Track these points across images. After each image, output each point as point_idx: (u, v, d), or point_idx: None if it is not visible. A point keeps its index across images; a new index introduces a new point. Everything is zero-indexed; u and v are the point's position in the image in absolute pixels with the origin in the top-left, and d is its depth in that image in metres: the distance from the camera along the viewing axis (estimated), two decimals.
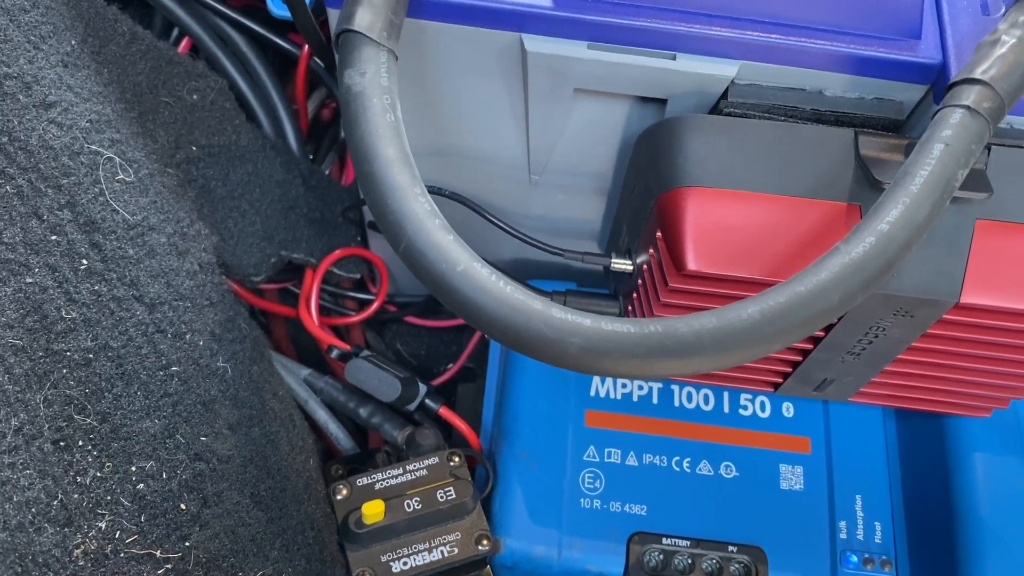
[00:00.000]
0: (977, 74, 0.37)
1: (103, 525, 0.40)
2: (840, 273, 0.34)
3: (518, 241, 0.54)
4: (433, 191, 0.52)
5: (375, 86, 0.35)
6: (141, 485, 0.41)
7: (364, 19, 0.36)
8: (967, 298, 0.41)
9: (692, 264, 0.41)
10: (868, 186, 0.40)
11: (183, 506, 0.42)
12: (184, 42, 0.61)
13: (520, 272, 0.62)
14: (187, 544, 0.41)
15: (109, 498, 0.40)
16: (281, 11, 0.54)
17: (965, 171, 0.36)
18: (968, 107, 0.36)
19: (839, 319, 0.44)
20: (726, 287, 0.42)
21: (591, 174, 0.51)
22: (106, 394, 0.41)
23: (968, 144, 0.36)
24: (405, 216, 0.34)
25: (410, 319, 0.67)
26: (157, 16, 0.62)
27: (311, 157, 0.65)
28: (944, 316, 0.42)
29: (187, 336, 0.46)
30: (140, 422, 0.42)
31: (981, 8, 0.42)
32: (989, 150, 0.41)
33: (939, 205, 0.36)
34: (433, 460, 0.52)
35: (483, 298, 0.33)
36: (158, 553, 0.40)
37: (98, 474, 0.40)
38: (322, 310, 0.65)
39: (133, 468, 0.41)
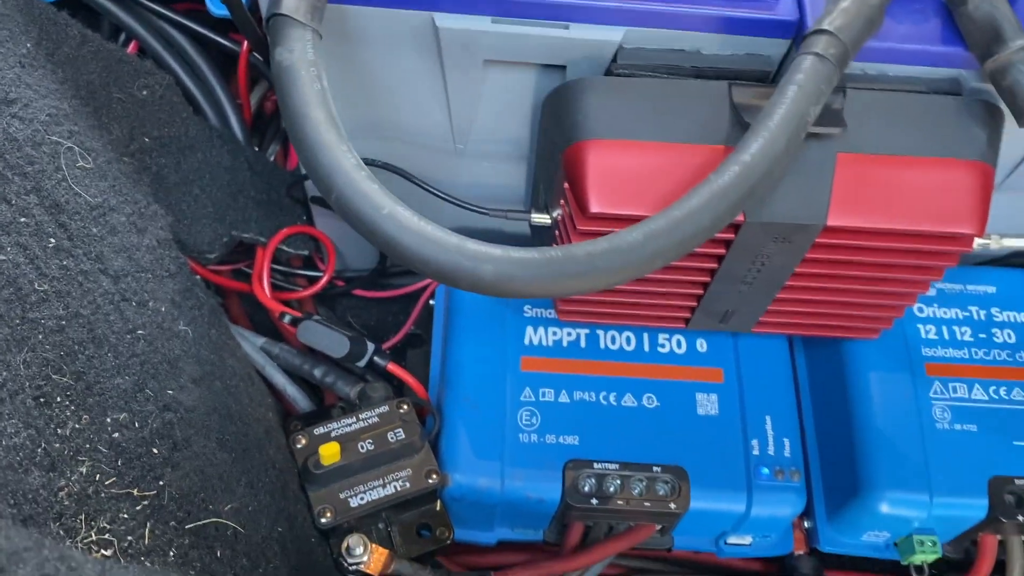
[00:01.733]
0: (824, 25, 0.43)
1: (84, 470, 0.44)
2: (709, 199, 0.40)
3: (452, 209, 0.59)
4: (367, 162, 0.57)
5: (303, 60, 0.41)
6: (116, 434, 0.46)
7: (290, 3, 0.41)
8: (833, 220, 0.47)
9: (594, 207, 0.47)
10: (741, 129, 0.46)
11: (155, 451, 0.47)
12: (131, 45, 0.65)
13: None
14: (161, 483, 0.46)
15: (88, 446, 0.45)
16: (220, 10, 0.59)
17: (817, 108, 0.42)
18: (817, 53, 0.42)
19: (728, 250, 0.50)
20: (627, 225, 0.47)
21: (510, 140, 0.56)
22: (79, 356, 0.46)
23: (818, 84, 0.42)
24: (334, 169, 0.39)
25: (358, 292, 0.72)
26: (104, 21, 0.66)
27: (256, 146, 0.70)
28: (817, 240, 0.48)
29: (150, 304, 0.51)
30: (112, 379, 0.47)
31: None
32: (845, 92, 0.47)
33: (795, 137, 0.42)
34: (383, 408, 0.57)
35: (406, 236, 0.39)
36: (135, 492, 0.45)
37: (76, 426, 0.45)
38: (275, 287, 0.69)
39: (108, 420, 0.46)
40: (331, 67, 0.50)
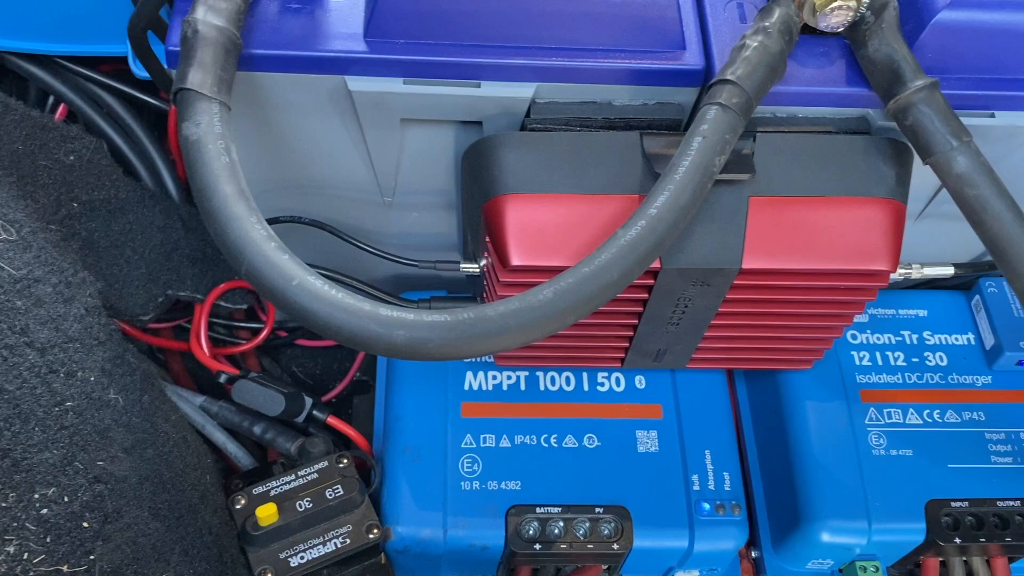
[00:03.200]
0: (727, 75, 0.44)
1: (11, 549, 0.44)
2: (617, 253, 0.41)
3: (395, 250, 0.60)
4: (294, 220, 0.58)
5: (209, 134, 0.41)
6: (44, 510, 0.46)
7: (196, 78, 0.41)
8: (748, 264, 0.48)
9: (515, 260, 0.47)
10: (653, 178, 0.47)
11: (85, 524, 0.46)
12: (61, 108, 0.65)
13: (397, 286, 0.68)
14: (91, 558, 0.46)
15: (15, 524, 0.45)
16: (143, 73, 0.60)
17: (723, 157, 0.43)
18: (720, 104, 0.43)
19: (650, 294, 0.50)
20: (547, 275, 0.47)
21: (436, 191, 0.57)
22: (5, 432, 0.46)
23: (722, 135, 0.43)
24: (244, 242, 0.39)
25: (301, 342, 0.72)
26: (31, 86, 0.66)
27: (191, 203, 0.70)
28: (735, 282, 0.49)
29: (79, 374, 0.50)
30: (40, 454, 0.47)
31: (739, 17, 0.49)
32: (755, 137, 0.48)
33: (700, 188, 0.43)
34: (323, 464, 0.57)
35: (318, 305, 0.39)
36: (65, 568, 0.45)
37: (3, 504, 0.45)
38: (217, 342, 0.69)
39: (36, 496, 0.46)
40: (250, 129, 0.51)
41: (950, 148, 0.44)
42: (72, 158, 0.59)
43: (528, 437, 0.60)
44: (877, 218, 0.48)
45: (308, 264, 0.60)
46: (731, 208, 0.48)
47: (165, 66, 0.51)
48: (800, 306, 0.52)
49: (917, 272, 0.56)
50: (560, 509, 0.57)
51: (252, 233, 0.40)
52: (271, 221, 0.57)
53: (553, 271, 0.47)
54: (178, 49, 0.43)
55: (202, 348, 0.63)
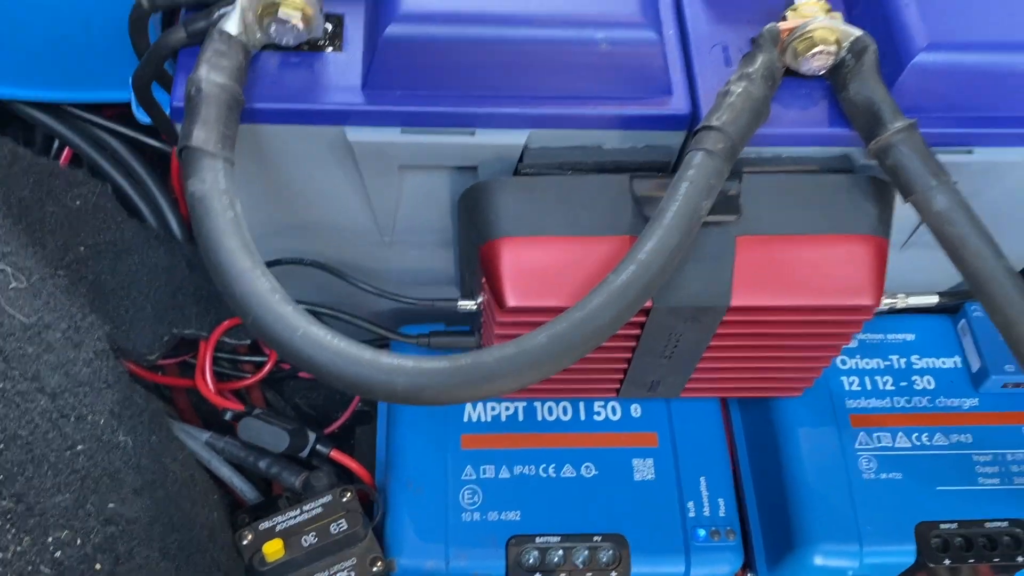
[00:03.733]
0: (712, 122, 0.45)
1: None
2: (608, 298, 0.42)
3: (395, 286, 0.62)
4: (296, 262, 0.59)
5: (214, 190, 0.42)
6: (58, 553, 0.47)
7: (200, 136, 0.43)
8: (737, 301, 0.49)
9: (510, 302, 0.49)
10: (643, 220, 0.48)
11: (98, 566, 0.48)
12: (66, 152, 0.67)
13: (398, 320, 0.69)
14: None
15: (30, 568, 0.46)
16: (145, 118, 0.61)
17: (709, 201, 0.45)
18: (706, 149, 0.45)
19: (643, 331, 0.52)
20: (543, 315, 0.49)
21: (434, 230, 0.58)
22: (19, 478, 0.47)
23: (708, 180, 0.45)
24: (249, 296, 0.41)
25: (303, 374, 0.74)
26: (38, 132, 0.68)
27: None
28: (724, 318, 0.51)
29: (89, 417, 0.52)
30: (53, 498, 0.48)
31: (724, 61, 0.51)
32: (741, 177, 0.50)
33: (688, 232, 0.44)
34: (327, 498, 0.58)
35: (322, 355, 0.40)
36: None
37: (18, 548, 0.46)
38: (222, 376, 0.71)
39: (50, 539, 0.47)
40: (253, 176, 0.52)
41: (929, 187, 0.46)
42: (78, 203, 0.61)
43: (527, 467, 0.62)
44: (860, 254, 0.50)
45: (311, 302, 0.62)
46: (719, 247, 0.49)
47: (168, 115, 0.52)
48: (788, 339, 0.53)
49: (903, 302, 0.57)
50: (559, 538, 0.59)
51: (257, 286, 0.41)
52: (274, 263, 0.60)
53: (548, 311, 0.49)
54: (182, 105, 0.45)
55: (207, 385, 0.64)
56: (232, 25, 0.45)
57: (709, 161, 0.45)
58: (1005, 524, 0.60)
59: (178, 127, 0.46)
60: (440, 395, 0.41)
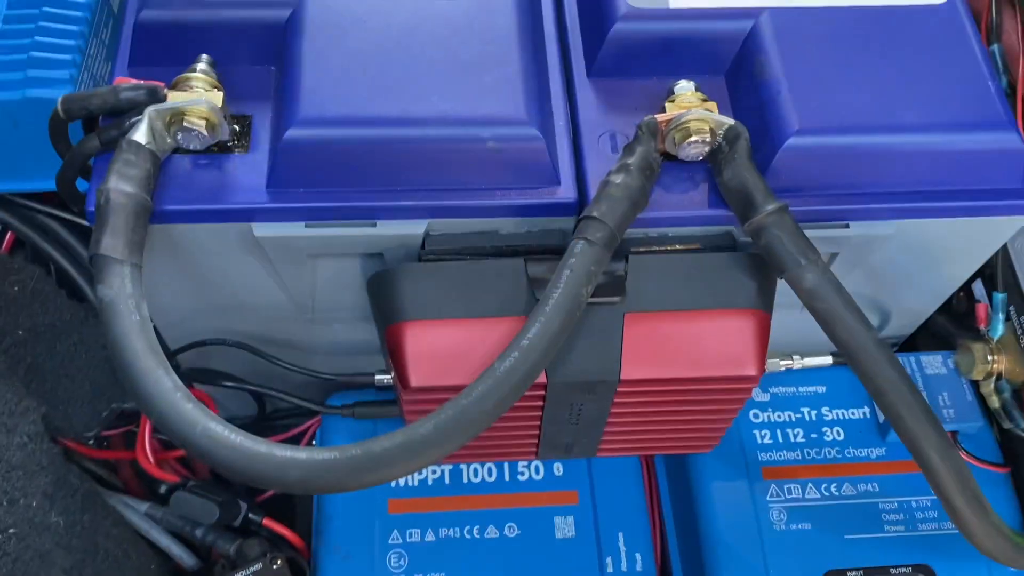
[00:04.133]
0: (593, 212, 0.49)
1: None
2: (492, 384, 0.45)
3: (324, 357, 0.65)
4: (219, 342, 0.62)
5: (121, 295, 0.45)
6: None
7: (108, 244, 0.46)
8: (626, 375, 0.52)
9: (413, 382, 0.52)
10: (535, 302, 0.51)
11: None
12: (8, 236, 0.70)
13: (327, 389, 0.72)
14: None
15: None
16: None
17: (590, 287, 0.48)
18: (586, 239, 0.48)
19: (545, 402, 0.55)
20: (445, 393, 0.52)
21: (354, 307, 0.61)
22: None
23: (588, 267, 0.48)
24: (152, 394, 0.44)
25: None
26: None
27: None
28: (619, 389, 0.54)
29: (21, 500, 0.55)
30: None
31: (611, 148, 0.54)
32: (627, 259, 0.53)
33: (569, 317, 0.47)
34: (258, 567, 0.61)
35: (219, 450, 0.43)
36: None
37: None
38: (166, 445, 0.74)
39: None
40: (170, 267, 0.55)
41: (798, 266, 0.49)
42: (16, 288, 0.64)
43: (452, 530, 0.64)
44: (742, 328, 0.53)
45: (243, 378, 0.65)
46: (608, 325, 0.52)
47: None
48: (682, 406, 0.56)
49: (798, 363, 0.60)
50: None
51: (160, 385, 0.44)
52: (199, 343, 0.62)
53: (450, 390, 0.52)
54: (95, 211, 0.48)
55: (147, 457, 0.67)
56: (141, 135, 0.49)
57: (589, 249, 0.48)
58: (909, 570, 0.63)
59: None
60: (332, 485, 0.44)
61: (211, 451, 0.43)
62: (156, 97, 0.50)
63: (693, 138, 0.51)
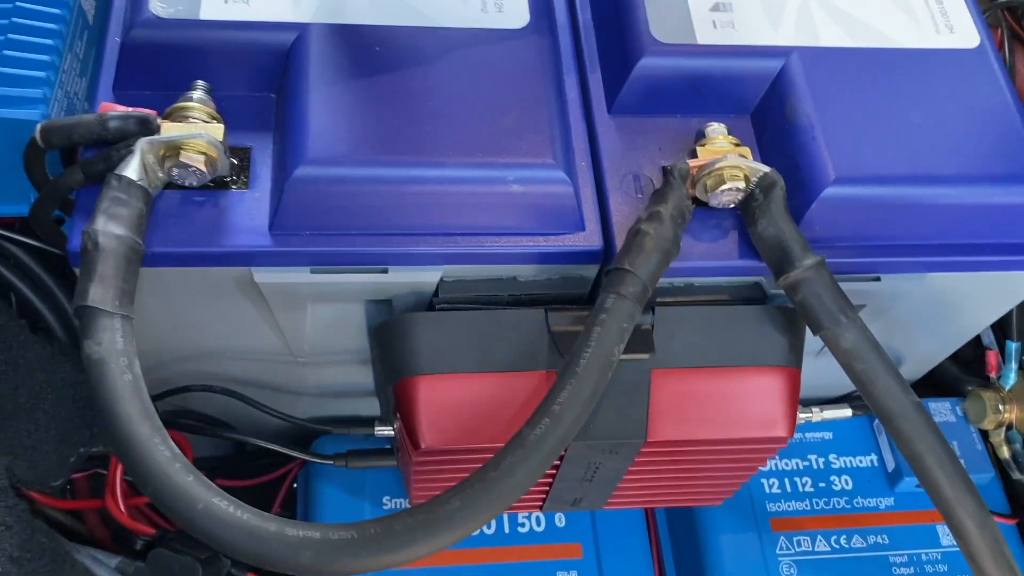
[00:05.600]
0: (624, 264, 0.45)
1: None
2: (522, 454, 0.42)
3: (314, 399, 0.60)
4: (207, 388, 0.58)
5: (111, 352, 0.41)
6: None
7: (96, 294, 0.41)
8: (653, 436, 0.49)
9: (425, 444, 0.48)
10: (558, 356, 0.48)
11: None
12: None
13: (326, 423, 0.67)
14: None
15: None
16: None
17: (621, 345, 0.45)
18: (617, 293, 0.45)
19: (562, 461, 0.52)
20: (463, 455, 0.49)
21: (350, 351, 0.57)
22: None
23: (620, 324, 0.45)
24: (147, 466, 0.39)
25: (221, 481, 0.71)
26: None
27: None
28: (642, 449, 0.51)
29: None
30: None
31: (635, 190, 0.51)
32: (654, 311, 0.50)
33: (601, 379, 0.44)
34: None
35: (223, 530, 0.39)
36: None
37: None
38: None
39: None
40: (157, 310, 0.51)
41: (837, 324, 0.47)
42: None
43: None
44: (774, 387, 0.50)
45: (215, 418, 0.60)
46: (634, 382, 0.49)
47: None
48: (705, 464, 0.53)
49: (817, 416, 0.58)
50: None
51: (155, 456, 0.40)
52: (184, 389, 0.58)
53: (465, 452, 0.48)
54: (79, 252, 0.43)
55: (118, 505, 0.62)
56: (131, 170, 0.44)
57: (621, 304, 0.45)
58: None
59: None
60: (349, 567, 0.40)
61: (215, 532, 0.39)
62: (148, 128, 0.45)
63: (727, 185, 0.48)
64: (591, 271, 0.51)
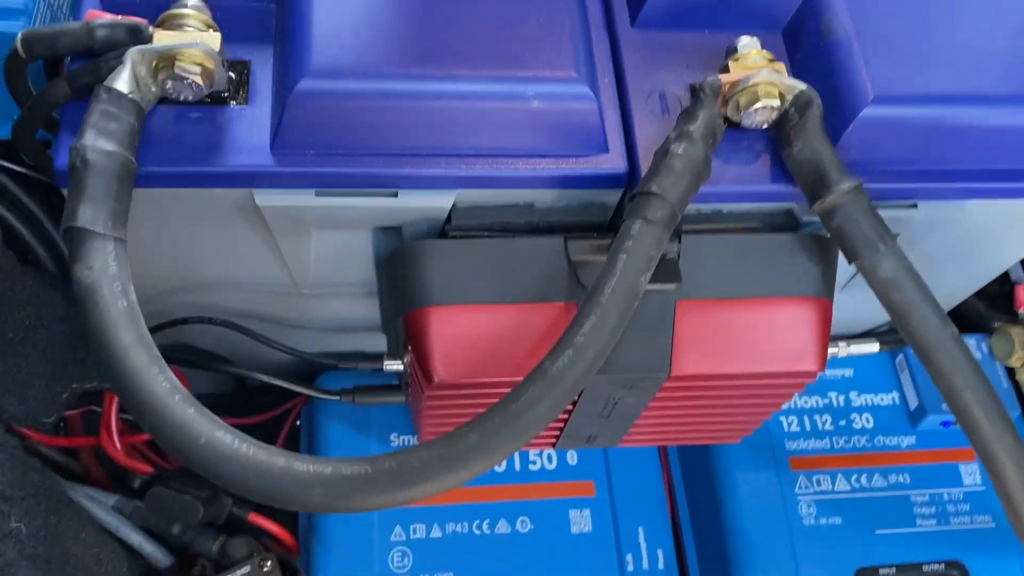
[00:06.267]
0: (652, 187, 0.42)
1: None
2: (544, 387, 0.39)
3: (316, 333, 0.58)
4: (204, 320, 0.55)
5: (104, 277, 0.38)
6: None
7: (86, 214, 0.38)
8: (677, 370, 0.47)
9: (438, 378, 0.45)
10: (579, 287, 0.45)
11: None
12: None
13: (330, 357, 0.65)
14: None
15: None
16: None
17: (648, 274, 0.42)
18: (645, 218, 0.42)
19: (580, 396, 0.49)
20: (477, 390, 0.46)
21: (355, 283, 0.55)
22: None
23: (647, 251, 0.42)
24: (145, 398, 0.37)
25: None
26: None
27: None
28: (664, 385, 0.48)
29: None
30: None
31: (661, 110, 0.48)
32: (680, 238, 0.47)
33: (626, 309, 0.41)
34: (246, 569, 0.55)
35: (228, 466, 0.37)
36: None
37: None
38: (134, 425, 0.66)
39: None
40: (152, 236, 0.48)
41: (875, 252, 0.44)
42: None
43: (460, 525, 0.59)
44: (805, 318, 0.48)
45: (212, 352, 0.58)
46: (658, 313, 0.47)
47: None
48: (729, 400, 0.51)
49: (844, 351, 0.56)
50: None
51: (154, 387, 0.37)
52: (181, 321, 0.55)
53: (479, 386, 0.46)
54: (66, 171, 0.40)
55: (114, 443, 0.60)
56: (122, 82, 0.41)
57: (648, 231, 0.42)
58: (941, 566, 0.60)
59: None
60: (362, 504, 0.37)
61: (219, 467, 0.37)
62: (139, 37, 0.42)
63: (760, 103, 0.45)
64: (613, 197, 0.48)
